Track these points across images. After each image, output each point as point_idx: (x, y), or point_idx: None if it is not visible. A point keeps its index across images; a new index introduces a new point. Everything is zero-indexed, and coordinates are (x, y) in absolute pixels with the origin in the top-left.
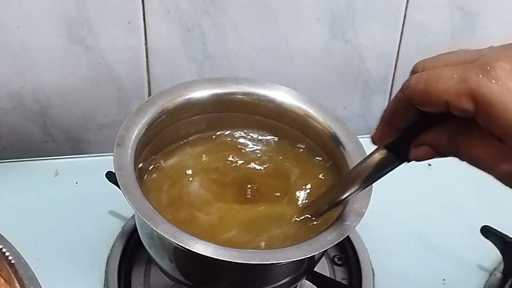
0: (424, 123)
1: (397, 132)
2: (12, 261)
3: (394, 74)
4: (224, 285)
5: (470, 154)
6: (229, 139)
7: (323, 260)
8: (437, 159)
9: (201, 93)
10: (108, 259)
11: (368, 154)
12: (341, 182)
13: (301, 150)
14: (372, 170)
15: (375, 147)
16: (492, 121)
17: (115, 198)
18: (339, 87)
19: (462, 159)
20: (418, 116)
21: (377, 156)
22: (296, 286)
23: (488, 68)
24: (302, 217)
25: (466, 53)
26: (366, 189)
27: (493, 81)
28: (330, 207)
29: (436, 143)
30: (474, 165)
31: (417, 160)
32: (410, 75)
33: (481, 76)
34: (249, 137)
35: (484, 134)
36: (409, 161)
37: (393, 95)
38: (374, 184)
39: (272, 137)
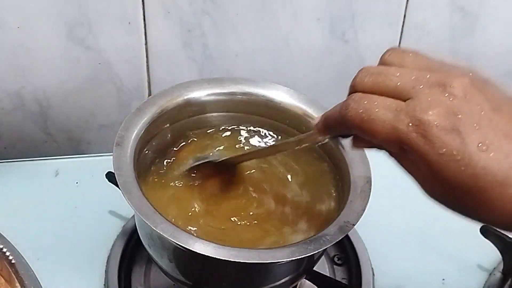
0: None
1: (333, 134)
2: (13, 261)
3: None
4: (224, 285)
5: (400, 164)
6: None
7: (323, 259)
8: None
9: (200, 93)
10: (108, 259)
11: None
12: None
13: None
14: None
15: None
16: (419, 163)
17: (115, 198)
18: (339, 87)
19: (391, 158)
20: None
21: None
22: (296, 285)
23: (419, 121)
24: None
25: (404, 79)
26: (365, 188)
27: (422, 136)
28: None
29: (373, 144)
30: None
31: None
32: (350, 87)
33: (411, 127)
34: (249, 137)
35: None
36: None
37: None
38: (374, 184)
39: (272, 137)
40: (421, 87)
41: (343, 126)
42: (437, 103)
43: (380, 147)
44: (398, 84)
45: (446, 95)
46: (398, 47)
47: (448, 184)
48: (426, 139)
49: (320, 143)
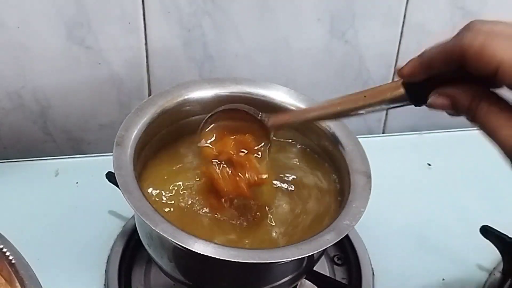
0: (455, 77)
1: (427, 75)
2: (13, 261)
3: (394, 74)
4: (224, 285)
5: (486, 120)
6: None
7: (323, 259)
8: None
9: (201, 93)
10: (108, 259)
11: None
12: (344, 98)
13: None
14: (381, 99)
15: (374, 147)
16: None
17: (115, 198)
18: (339, 87)
19: (474, 122)
20: (456, 70)
21: (393, 89)
22: (296, 285)
23: None
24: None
25: None
26: (365, 188)
27: None
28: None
29: (458, 99)
30: (484, 131)
31: (431, 108)
32: (462, 30)
33: None
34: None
35: (508, 109)
36: (418, 105)
37: None
38: (374, 184)
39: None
40: None
41: (454, 54)
42: None
43: (462, 106)
44: None
45: None
46: None
47: None
48: None
49: (381, 107)
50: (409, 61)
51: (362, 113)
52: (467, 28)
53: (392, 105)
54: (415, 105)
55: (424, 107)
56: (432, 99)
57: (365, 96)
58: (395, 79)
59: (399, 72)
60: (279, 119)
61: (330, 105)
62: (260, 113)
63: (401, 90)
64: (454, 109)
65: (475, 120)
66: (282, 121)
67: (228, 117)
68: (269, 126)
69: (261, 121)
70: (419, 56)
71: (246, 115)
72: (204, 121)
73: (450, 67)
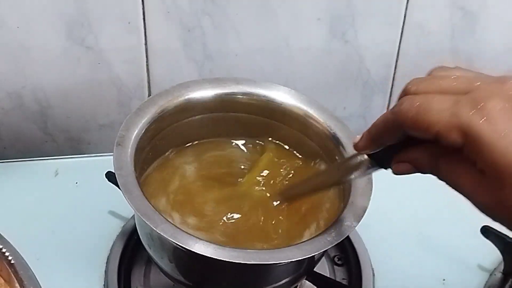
0: (409, 142)
1: (380, 147)
2: (12, 261)
3: (394, 74)
4: (224, 285)
5: (449, 178)
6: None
7: (323, 260)
8: None
9: (201, 93)
10: (108, 259)
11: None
12: (319, 175)
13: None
14: (351, 172)
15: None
16: (478, 157)
17: (115, 198)
18: (339, 87)
19: (441, 180)
20: (404, 136)
21: (359, 160)
22: (296, 286)
23: (481, 105)
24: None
25: (460, 80)
26: (367, 188)
27: (484, 120)
28: (303, 196)
29: (418, 162)
30: (452, 188)
31: (396, 174)
32: (402, 93)
33: (472, 112)
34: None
35: (466, 162)
36: (386, 169)
37: (393, 95)
38: (374, 184)
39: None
40: (478, 83)
41: (394, 126)
42: (497, 93)
43: (424, 166)
44: (454, 84)
45: (505, 87)
46: (444, 65)
47: (506, 177)
48: (489, 123)
49: (354, 175)
50: (362, 135)
51: (338, 185)
52: (403, 95)
53: (366, 172)
54: (385, 169)
55: None
56: (394, 167)
57: (338, 169)
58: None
59: (355, 146)
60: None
61: (309, 181)
62: None
63: (366, 158)
64: (418, 171)
65: (440, 178)
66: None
67: None
68: None
69: None
70: (368, 130)
71: None
72: None
73: (396, 136)
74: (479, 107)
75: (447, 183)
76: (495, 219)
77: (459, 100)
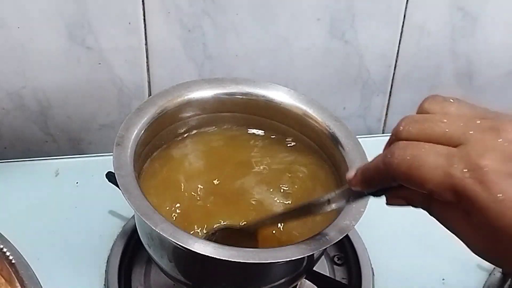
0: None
1: (373, 189)
2: (13, 261)
3: (394, 74)
4: (224, 284)
5: (441, 220)
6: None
7: (323, 259)
8: None
9: (201, 93)
10: (108, 259)
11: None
12: (312, 204)
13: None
14: (345, 199)
15: (374, 147)
16: (473, 215)
17: (115, 198)
18: (339, 87)
19: (432, 216)
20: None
21: (347, 194)
22: (296, 285)
23: (475, 165)
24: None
25: (454, 125)
26: None
27: (479, 183)
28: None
29: (411, 200)
30: (446, 228)
31: (390, 206)
32: (392, 135)
33: (466, 172)
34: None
35: (459, 209)
36: (378, 196)
37: (393, 95)
38: None
39: (272, 136)
40: (471, 132)
41: (386, 176)
42: (492, 148)
43: (417, 204)
44: (447, 130)
45: (500, 140)
46: (437, 94)
47: (503, 234)
48: (484, 185)
49: (348, 203)
50: (356, 172)
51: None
52: (394, 138)
53: (357, 199)
54: (377, 197)
55: None
56: (388, 201)
57: (329, 203)
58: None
59: (348, 182)
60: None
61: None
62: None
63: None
64: (412, 206)
65: (434, 217)
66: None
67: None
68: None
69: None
70: (362, 171)
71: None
72: None
73: (389, 183)
74: (472, 167)
75: (439, 222)
76: (487, 260)
77: (453, 155)
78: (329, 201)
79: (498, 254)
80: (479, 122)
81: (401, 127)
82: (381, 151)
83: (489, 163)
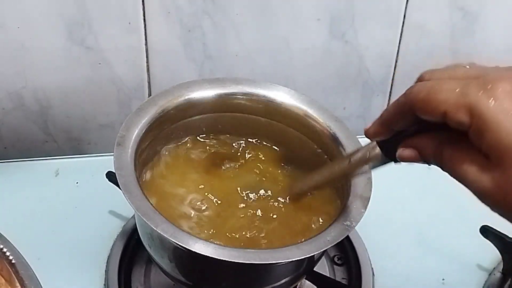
0: (419, 129)
1: (391, 133)
2: (13, 261)
3: (394, 74)
4: (224, 285)
5: (452, 166)
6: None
7: (323, 260)
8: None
9: (201, 93)
10: (108, 259)
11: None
12: (326, 169)
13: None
14: (359, 165)
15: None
16: (484, 137)
17: (116, 198)
18: (339, 87)
19: (443, 169)
20: (415, 122)
21: (367, 152)
22: (296, 285)
23: (490, 86)
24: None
25: (472, 69)
26: (366, 189)
27: (492, 100)
28: (309, 191)
29: (423, 148)
30: (454, 177)
31: (401, 161)
32: (416, 82)
33: (481, 92)
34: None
35: (471, 150)
36: (395, 162)
37: (393, 95)
38: (374, 184)
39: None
40: (490, 71)
41: (405, 107)
42: (508, 76)
43: (429, 153)
44: (466, 71)
45: None
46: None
47: None
48: (497, 102)
49: (362, 169)
50: (372, 123)
51: (345, 179)
52: (416, 83)
53: (374, 165)
54: (395, 162)
55: None
56: (399, 152)
57: (349, 161)
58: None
59: (366, 132)
60: None
61: (316, 175)
62: None
63: (377, 149)
64: (423, 160)
65: (443, 167)
66: None
67: None
68: None
69: None
70: (380, 115)
71: None
72: None
73: (406, 122)
74: (488, 88)
75: (449, 172)
76: (494, 207)
77: (469, 82)
78: (349, 160)
79: (504, 194)
80: (498, 68)
81: (424, 74)
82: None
83: (504, 85)
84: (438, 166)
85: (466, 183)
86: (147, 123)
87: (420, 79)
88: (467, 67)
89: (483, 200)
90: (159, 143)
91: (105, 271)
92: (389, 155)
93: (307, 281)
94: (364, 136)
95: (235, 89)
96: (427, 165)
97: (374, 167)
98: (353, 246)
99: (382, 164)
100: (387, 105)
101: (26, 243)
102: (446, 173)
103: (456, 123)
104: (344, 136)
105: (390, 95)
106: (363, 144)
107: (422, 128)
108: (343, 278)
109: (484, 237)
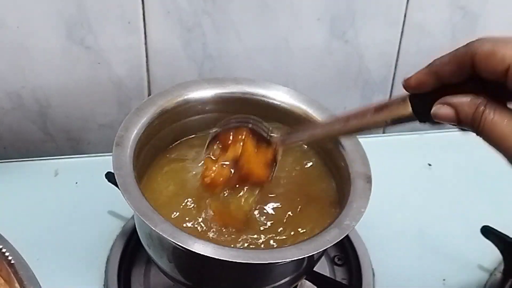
0: (463, 89)
1: (434, 86)
2: (12, 261)
3: (394, 74)
4: (223, 285)
5: (491, 130)
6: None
7: (323, 260)
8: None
9: (200, 93)
10: (108, 259)
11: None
12: (349, 117)
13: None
14: (389, 115)
15: (374, 147)
16: None
17: (115, 198)
18: (339, 87)
19: (478, 133)
20: (469, 77)
21: (399, 103)
22: (296, 285)
23: None
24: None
25: None
26: (365, 189)
27: None
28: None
29: (463, 108)
30: (488, 142)
31: (435, 119)
32: (472, 41)
33: None
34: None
35: (509, 110)
36: (423, 121)
37: (393, 95)
38: (374, 184)
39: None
40: None
41: (464, 58)
42: None
43: (467, 113)
44: None
45: None
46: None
47: None
48: None
49: (389, 123)
50: (416, 72)
51: (369, 130)
52: (475, 39)
53: (397, 122)
54: (420, 121)
55: None
56: (435, 108)
57: (374, 111)
58: (399, 82)
59: (406, 82)
60: (287, 139)
61: (340, 121)
62: (269, 131)
63: (408, 104)
64: (458, 120)
65: (480, 130)
66: (291, 141)
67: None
68: (278, 146)
69: (270, 141)
70: (427, 66)
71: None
72: (210, 136)
73: (459, 73)
74: None
75: (486, 137)
76: None
77: None
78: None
79: None
80: None
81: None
82: (381, 151)
83: None
84: (473, 130)
85: (502, 150)
86: (146, 123)
87: (476, 39)
88: None
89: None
90: (158, 143)
91: (105, 271)
92: (420, 112)
93: (307, 281)
94: (364, 136)
95: (235, 89)
96: (460, 130)
97: (396, 123)
98: (353, 246)
99: (404, 122)
100: None
101: (25, 243)
102: (446, 173)
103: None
104: None
105: (390, 95)
106: (363, 144)
107: (465, 89)
108: (343, 278)
109: (485, 237)
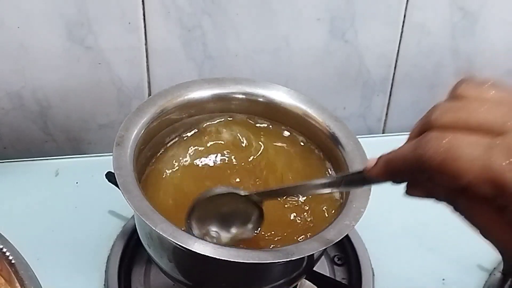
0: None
1: (396, 180)
2: (13, 261)
3: (394, 74)
4: (223, 285)
5: (468, 215)
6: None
7: (323, 259)
8: None
9: (200, 93)
10: (108, 259)
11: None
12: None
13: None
14: (355, 185)
15: (374, 147)
16: (509, 208)
17: (115, 198)
18: (339, 87)
19: (456, 213)
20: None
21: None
22: (296, 285)
23: None
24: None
25: (492, 113)
26: (365, 189)
27: None
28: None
29: (435, 191)
30: (466, 221)
31: (409, 196)
32: (425, 123)
33: (506, 163)
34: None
35: (488, 202)
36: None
37: (393, 95)
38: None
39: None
40: None
41: (415, 168)
42: None
43: (440, 198)
44: (485, 120)
45: None
46: (470, 77)
47: None
48: None
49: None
50: (377, 161)
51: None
52: (426, 126)
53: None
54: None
55: None
56: (407, 190)
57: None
58: None
59: (366, 171)
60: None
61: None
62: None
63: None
64: (433, 199)
65: (459, 212)
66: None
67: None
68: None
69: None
70: (385, 161)
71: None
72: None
73: (415, 177)
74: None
75: (461, 216)
76: (508, 255)
77: (492, 146)
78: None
79: None
80: None
81: (435, 116)
82: (381, 151)
83: None
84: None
85: (479, 229)
86: (146, 123)
87: (429, 124)
88: (485, 101)
89: (495, 246)
90: (159, 143)
91: (105, 271)
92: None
93: (307, 281)
94: (364, 136)
95: (235, 89)
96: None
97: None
98: (353, 246)
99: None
100: (387, 105)
101: (26, 243)
102: None
103: (479, 194)
104: (344, 135)
105: (390, 95)
106: (363, 144)
107: None
108: (343, 278)
109: None
